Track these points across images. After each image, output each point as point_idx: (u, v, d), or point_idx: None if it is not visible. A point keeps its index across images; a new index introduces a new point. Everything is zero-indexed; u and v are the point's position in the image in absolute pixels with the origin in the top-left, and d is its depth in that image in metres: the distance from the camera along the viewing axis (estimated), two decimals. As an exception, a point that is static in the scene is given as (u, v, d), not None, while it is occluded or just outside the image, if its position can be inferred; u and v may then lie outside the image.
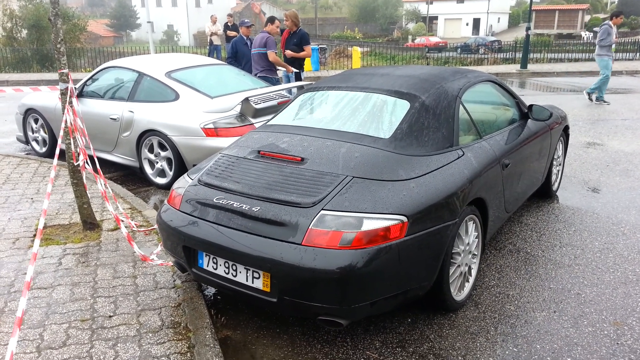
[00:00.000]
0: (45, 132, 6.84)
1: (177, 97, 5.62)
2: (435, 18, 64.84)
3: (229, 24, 17.50)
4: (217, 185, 2.99)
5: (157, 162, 5.71)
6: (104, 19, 58.74)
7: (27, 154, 7.13)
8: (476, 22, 63.07)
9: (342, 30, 64.33)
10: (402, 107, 3.31)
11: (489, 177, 3.35)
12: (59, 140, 3.97)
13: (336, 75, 4.09)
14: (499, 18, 64.42)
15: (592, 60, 21.83)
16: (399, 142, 3.06)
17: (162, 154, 5.62)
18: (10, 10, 22.91)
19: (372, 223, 2.55)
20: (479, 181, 3.19)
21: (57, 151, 3.96)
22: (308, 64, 18.46)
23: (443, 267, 2.87)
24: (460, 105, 3.48)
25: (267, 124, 3.67)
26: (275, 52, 7.49)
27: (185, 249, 2.96)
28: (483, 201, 3.27)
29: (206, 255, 2.89)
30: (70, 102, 3.99)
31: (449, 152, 3.17)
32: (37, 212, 4.56)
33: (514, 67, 18.06)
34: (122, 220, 4.23)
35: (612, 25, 10.41)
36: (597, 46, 10.69)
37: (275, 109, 5.70)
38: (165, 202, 3.25)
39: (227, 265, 2.80)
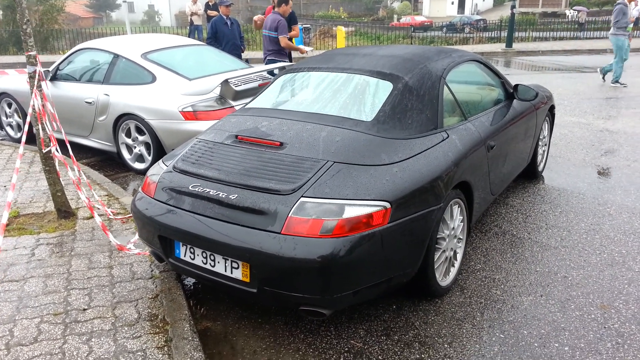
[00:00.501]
0: (20, 117, 6.61)
1: (154, 79, 5.43)
2: (420, -4, 64.19)
3: (209, 3, 17.11)
4: (193, 172, 2.86)
5: (135, 147, 5.54)
6: (82, -1, 57.16)
7: (1, 139, 6.90)
8: (461, 1, 62.57)
9: (326, 9, 63.46)
10: (385, 88, 3.20)
11: (474, 159, 3.27)
12: (25, 127, 3.79)
13: (317, 56, 3.95)
14: (484, -4, 63.99)
15: (577, 38, 21.89)
16: (382, 125, 2.95)
17: (140, 138, 5.45)
18: (-17, -10, 22.10)
19: (354, 210, 2.46)
20: (464, 164, 3.11)
21: (24, 137, 3.78)
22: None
23: (428, 253, 2.79)
24: (445, 86, 3.38)
25: (246, 107, 3.53)
26: (287, 37, 7.14)
27: (162, 239, 2.84)
28: (468, 184, 3.20)
29: (183, 245, 2.78)
30: (39, 87, 3.80)
31: (433, 135, 3.07)
32: (10, 199, 4.39)
33: (499, 46, 17.96)
34: (98, 208, 4.09)
35: (628, 3, 9.95)
36: (612, 27, 10.15)
37: (256, 91, 5.54)
38: (140, 189, 3.12)
39: (204, 255, 2.70)
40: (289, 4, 7.15)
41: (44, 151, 3.80)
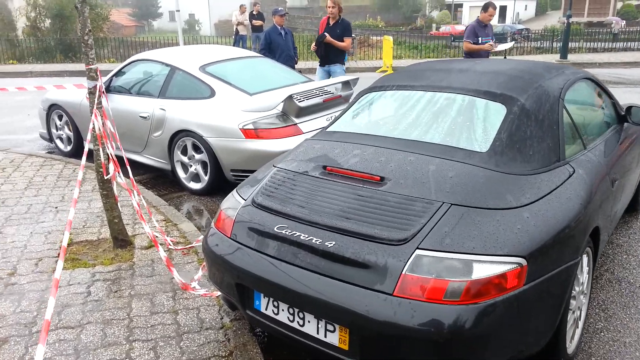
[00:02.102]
0: (70, 130, 6.39)
1: (212, 93, 5.10)
2: (460, 6, 63.18)
3: (254, 12, 16.95)
4: (277, 209, 2.45)
5: (191, 166, 5.21)
6: (125, 7, 58.60)
7: (50, 152, 6.72)
8: (502, 10, 61.16)
9: (364, 18, 63.16)
10: (497, 111, 2.72)
11: (602, 197, 2.75)
12: (86, 146, 3.47)
13: (402, 72, 3.51)
14: (525, 5, 62.46)
15: (631, 49, 20.74)
16: (500, 156, 2.48)
17: (197, 156, 5.12)
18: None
19: (484, 268, 1.99)
20: (594, 204, 2.60)
21: (83, 160, 3.44)
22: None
23: (562, 317, 2.30)
24: (564, 109, 2.88)
25: (328, 130, 3.10)
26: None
27: (239, 287, 2.44)
28: (597, 229, 2.68)
29: (265, 296, 2.37)
30: (100, 104, 3.48)
31: (558, 169, 2.58)
32: (62, 224, 4.10)
33: (553, 57, 17.15)
34: (157, 237, 3.74)
35: None
36: None
37: (320, 107, 5.16)
38: (213, 225, 2.74)
39: (292, 311, 2.28)
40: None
41: (106, 177, 3.47)
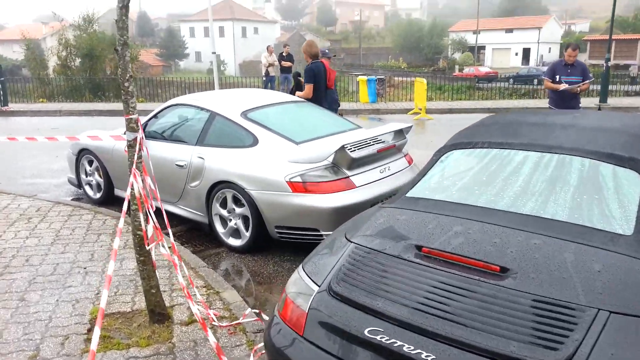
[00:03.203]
0: (100, 176, 6.04)
1: (255, 142, 4.69)
2: (483, 48, 63.49)
3: (284, 54, 16.89)
4: (364, 304, 1.94)
5: (231, 220, 4.75)
6: (153, 48, 60.21)
7: (77, 199, 6.36)
8: (526, 52, 61.38)
9: (386, 59, 63.76)
10: (631, 180, 2.21)
11: None
12: (124, 206, 3.03)
13: (488, 125, 3.01)
14: (549, 48, 62.47)
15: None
16: (649, 241, 1.95)
17: (237, 210, 4.66)
18: (65, 39, 23.16)
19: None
20: None
21: (120, 222, 2.97)
22: (365, 95, 17.56)
23: None
24: None
25: (409, 196, 2.60)
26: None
27: (317, 401, 1.92)
28: None
29: (355, 420, 1.84)
30: (140, 158, 3.07)
31: None
32: (91, 289, 3.64)
33: (592, 101, 16.60)
34: (199, 310, 3.24)
35: None
36: None
37: (374, 158, 4.69)
38: (277, 313, 2.24)
39: None
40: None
41: (147, 247, 3.01)
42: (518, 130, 2.79)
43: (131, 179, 2.90)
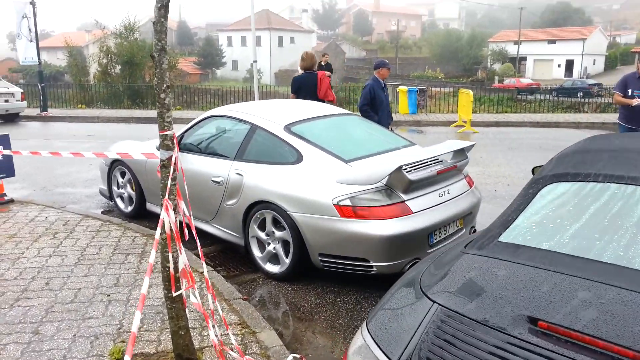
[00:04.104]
0: (133, 189, 5.69)
1: (299, 158, 4.23)
2: (524, 59, 61.86)
3: (322, 63, 16.49)
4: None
5: (269, 244, 4.30)
6: (191, 57, 61.03)
7: (108, 211, 6.04)
8: (569, 64, 59.42)
9: (422, 70, 62.84)
10: None
11: None
12: (152, 255, 2.58)
13: (598, 152, 2.41)
14: (594, 60, 60.32)
15: None
16: None
17: (277, 234, 4.20)
18: (106, 46, 23.48)
19: None
20: None
21: (151, 260, 2.51)
22: (405, 106, 16.97)
23: None
24: None
25: (503, 241, 2.05)
26: None
27: None
28: None
29: None
30: (174, 180, 2.63)
31: None
32: (114, 322, 3.23)
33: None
34: (230, 345, 2.77)
35: None
36: None
37: (432, 181, 4.15)
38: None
39: None
40: None
41: (174, 294, 2.57)
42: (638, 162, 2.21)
43: (162, 213, 2.45)
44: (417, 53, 77.50)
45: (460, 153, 4.42)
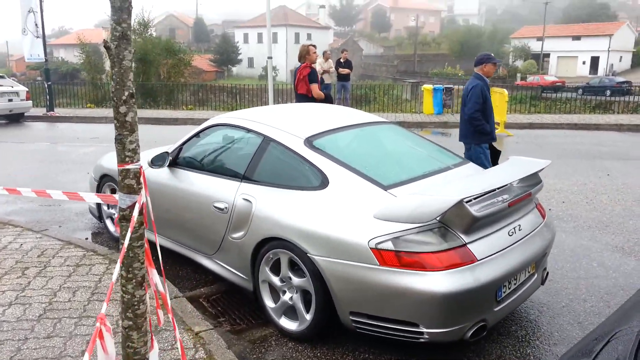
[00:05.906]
0: (123, 210, 4.79)
1: (324, 182, 3.27)
2: (547, 55, 59.92)
3: (341, 60, 15.52)
4: None
5: (285, 292, 3.34)
6: (207, 54, 60.29)
7: (97, 233, 5.16)
8: (594, 61, 57.39)
9: (441, 66, 61.21)
10: None
11: None
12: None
13: None
14: (621, 57, 58.17)
15: None
16: None
17: (295, 280, 3.24)
18: (120, 44, 22.75)
19: None
20: None
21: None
22: (430, 105, 15.89)
23: None
24: None
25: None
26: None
27: None
28: None
29: None
30: (141, 239, 1.70)
31: None
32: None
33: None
34: None
35: None
36: None
37: (502, 215, 3.14)
38: None
39: None
40: None
41: None
42: None
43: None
44: (435, 49, 75.69)
45: (533, 177, 3.42)
